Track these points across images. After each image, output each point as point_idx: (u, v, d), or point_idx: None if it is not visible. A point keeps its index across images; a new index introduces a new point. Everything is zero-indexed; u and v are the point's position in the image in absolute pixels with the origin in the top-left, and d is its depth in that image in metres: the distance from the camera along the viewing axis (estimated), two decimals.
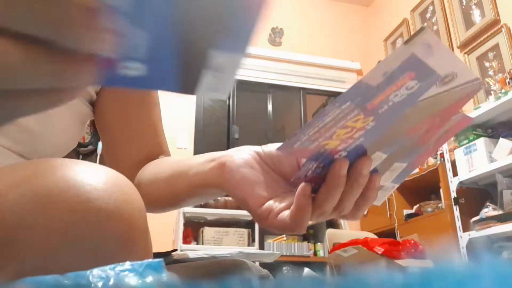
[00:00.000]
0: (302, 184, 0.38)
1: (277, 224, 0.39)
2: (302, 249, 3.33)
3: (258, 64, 4.03)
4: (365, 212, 3.57)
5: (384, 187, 0.43)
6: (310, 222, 0.40)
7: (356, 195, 0.39)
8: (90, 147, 2.75)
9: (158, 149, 0.63)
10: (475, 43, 3.11)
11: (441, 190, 2.77)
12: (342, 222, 3.38)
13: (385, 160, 0.39)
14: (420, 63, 0.30)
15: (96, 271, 0.17)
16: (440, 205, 2.85)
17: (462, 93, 0.34)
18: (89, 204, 0.29)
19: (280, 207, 0.40)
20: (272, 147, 0.45)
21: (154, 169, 0.58)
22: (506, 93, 2.38)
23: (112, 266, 0.17)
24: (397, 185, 0.44)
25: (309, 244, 3.39)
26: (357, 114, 0.32)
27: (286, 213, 0.39)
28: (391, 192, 0.44)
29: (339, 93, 4.23)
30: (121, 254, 0.29)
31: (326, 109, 0.31)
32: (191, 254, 0.62)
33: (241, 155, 0.44)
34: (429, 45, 0.29)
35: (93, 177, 0.30)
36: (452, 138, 2.70)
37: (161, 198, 0.53)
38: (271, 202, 0.41)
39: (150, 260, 0.18)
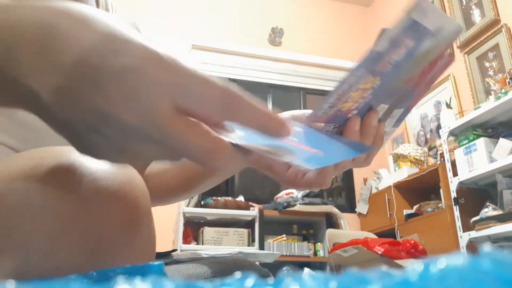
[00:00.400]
0: None
1: (305, 182, 0.46)
2: (302, 249, 3.32)
3: (258, 64, 4.03)
4: (365, 212, 3.57)
5: (386, 132, 0.49)
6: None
7: (369, 144, 0.45)
8: None
9: None
10: (475, 43, 3.11)
11: (441, 190, 2.77)
12: (342, 222, 3.38)
13: (387, 110, 0.46)
14: (417, 26, 0.36)
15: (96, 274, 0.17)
16: (440, 205, 2.85)
17: (447, 40, 0.41)
18: (95, 183, 0.30)
19: None
20: (283, 116, 0.48)
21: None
22: (506, 93, 2.38)
23: (113, 268, 0.17)
24: (396, 129, 0.52)
25: (309, 244, 3.39)
26: (367, 77, 0.38)
27: (311, 172, 0.46)
28: (392, 135, 0.52)
29: None
30: (126, 234, 0.30)
31: (343, 79, 0.37)
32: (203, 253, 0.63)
33: None
34: (424, 8, 0.35)
35: (97, 160, 0.31)
36: (452, 138, 2.70)
37: (174, 186, 0.55)
38: None
39: (151, 262, 0.18)
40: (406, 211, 3.09)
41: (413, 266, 0.13)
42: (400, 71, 0.40)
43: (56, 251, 0.28)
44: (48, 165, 0.30)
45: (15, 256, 0.28)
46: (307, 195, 3.35)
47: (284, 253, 3.22)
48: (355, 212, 3.74)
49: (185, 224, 3.08)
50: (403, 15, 0.35)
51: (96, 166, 0.31)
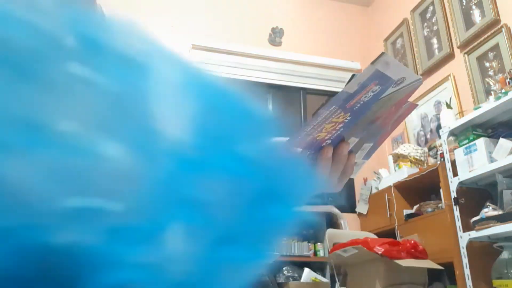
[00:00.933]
0: None
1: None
2: (302, 249, 3.32)
3: (258, 64, 4.03)
4: (365, 212, 3.57)
5: (358, 163, 0.57)
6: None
7: (339, 171, 0.52)
8: None
9: None
10: (475, 43, 3.11)
11: (441, 190, 2.77)
12: (342, 222, 3.38)
13: (357, 142, 0.53)
14: (381, 75, 0.43)
15: None
16: (440, 205, 2.85)
17: (409, 89, 0.49)
18: None
19: None
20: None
21: None
22: (506, 93, 2.38)
23: None
24: (366, 160, 0.59)
25: (309, 244, 3.39)
26: (339, 113, 0.45)
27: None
28: (362, 166, 0.59)
29: None
30: None
31: (318, 112, 0.44)
32: None
33: None
34: (387, 62, 0.43)
35: None
36: (452, 138, 2.70)
37: None
38: None
39: None
40: (406, 211, 3.09)
41: None
42: (368, 110, 0.48)
43: None
44: None
45: None
46: None
47: (284, 253, 3.21)
48: (355, 212, 3.74)
49: None
50: (369, 65, 0.42)
51: None
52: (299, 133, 0.46)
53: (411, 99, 0.53)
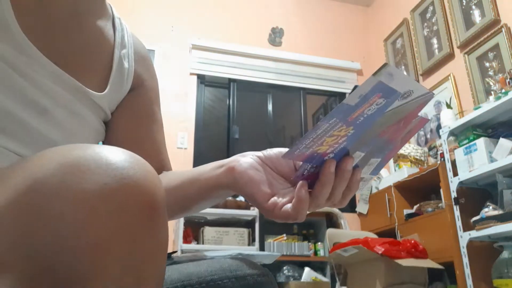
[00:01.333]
0: (301, 181, 0.48)
1: (282, 214, 0.49)
2: (303, 248, 3.33)
3: (258, 64, 4.03)
4: (365, 212, 3.57)
5: (364, 179, 0.54)
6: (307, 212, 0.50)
7: (343, 186, 0.49)
8: None
9: (161, 166, 0.70)
10: (475, 43, 3.11)
11: (441, 190, 2.77)
12: (342, 222, 3.38)
13: (363, 157, 0.50)
14: (385, 87, 0.41)
15: None
16: (440, 205, 2.85)
17: (418, 103, 0.46)
18: (120, 171, 0.33)
19: (283, 201, 0.50)
20: (271, 152, 0.55)
21: (161, 179, 0.62)
22: (506, 93, 2.38)
23: None
24: (374, 176, 0.56)
25: (310, 243, 3.39)
26: (340, 126, 0.43)
27: (289, 205, 0.49)
28: (370, 182, 0.57)
29: (339, 93, 4.23)
30: (146, 216, 0.33)
31: (318, 124, 0.42)
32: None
33: (246, 160, 0.53)
34: (391, 73, 0.40)
35: (119, 152, 0.35)
36: (452, 138, 2.70)
37: (172, 204, 0.58)
38: (275, 198, 0.50)
39: None
40: (406, 211, 3.09)
41: None
42: (373, 124, 0.45)
43: (82, 232, 0.31)
44: (77, 153, 0.34)
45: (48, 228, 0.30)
46: None
47: (285, 253, 3.22)
48: (355, 212, 3.74)
49: (185, 224, 3.08)
50: (371, 77, 0.40)
51: (119, 156, 0.34)
52: (297, 145, 0.44)
53: None
